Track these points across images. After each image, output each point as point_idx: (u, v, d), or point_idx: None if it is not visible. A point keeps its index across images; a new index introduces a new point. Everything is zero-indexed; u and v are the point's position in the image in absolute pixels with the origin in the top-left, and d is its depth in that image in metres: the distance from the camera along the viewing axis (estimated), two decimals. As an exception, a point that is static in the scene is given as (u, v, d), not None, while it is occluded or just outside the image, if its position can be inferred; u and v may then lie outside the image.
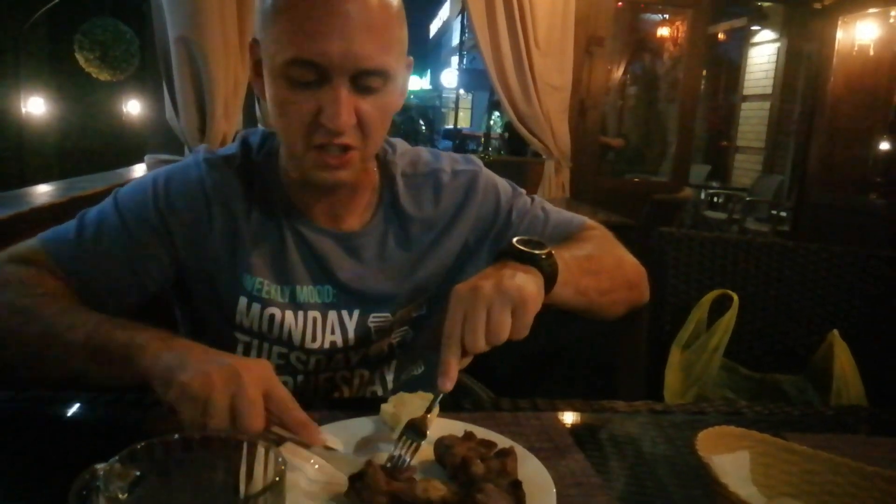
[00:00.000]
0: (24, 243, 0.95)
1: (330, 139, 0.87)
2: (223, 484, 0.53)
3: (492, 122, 12.16)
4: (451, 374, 0.73)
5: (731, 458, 0.74)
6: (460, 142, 12.60)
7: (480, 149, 10.70)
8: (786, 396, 1.27)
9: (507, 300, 0.74)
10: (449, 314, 0.75)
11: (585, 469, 0.80)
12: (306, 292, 1.00)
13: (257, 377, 0.69)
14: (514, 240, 0.83)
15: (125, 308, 0.95)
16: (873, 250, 1.46)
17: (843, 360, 1.24)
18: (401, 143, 1.11)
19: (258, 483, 0.51)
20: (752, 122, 8.77)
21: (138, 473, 0.50)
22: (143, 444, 0.51)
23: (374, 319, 1.03)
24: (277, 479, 0.47)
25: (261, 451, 0.51)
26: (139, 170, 2.97)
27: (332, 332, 1.01)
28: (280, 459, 0.49)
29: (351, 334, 1.02)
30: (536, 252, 0.81)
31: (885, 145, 5.28)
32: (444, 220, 1.06)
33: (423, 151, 1.12)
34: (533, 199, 1.12)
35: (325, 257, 1.00)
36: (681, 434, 0.92)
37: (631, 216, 3.68)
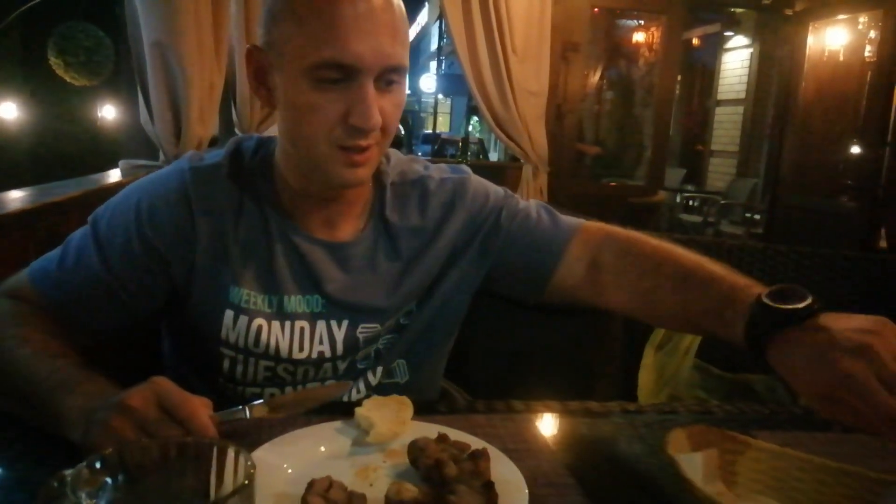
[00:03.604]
0: (15, 276, 0.97)
1: (357, 140, 0.88)
2: (193, 488, 0.53)
3: (471, 127, 12.20)
4: None
5: (699, 456, 0.76)
6: (439, 146, 12.61)
7: (459, 153, 10.73)
8: (756, 395, 1.29)
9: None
10: (872, 399, 0.66)
11: (558, 469, 0.81)
12: (294, 302, 0.98)
13: (145, 399, 0.70)
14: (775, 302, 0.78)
15: (115, 331, 0.98)
16: (840, 251, 1.49)
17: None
18: (395, 154, 1.11)
19: (228, 487, 0.51)
20: (726, 126, 8.89)
21: (107, 480, 0.50)
22: (111, 449, 0.51)
23: (363, 329, 1.02)
24: (246, 482, 0.47)
25: (231, 455, 0.51)
26: (114, 175, 2.93)
27: (321, 343, 1.00)
28: (250, 463, 0.49)
29: (339, 344, 1.00)
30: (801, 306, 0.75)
31: (854, 149, 5.38)
32: (430, 229, 1.06)
33: (415, 161, 1.12)
34: (528, 202, 1.12)
35: (314, 266, 0.99)
36: (653, 433, 0.93)
37: (607, 220, 3.72)
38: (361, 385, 1.04)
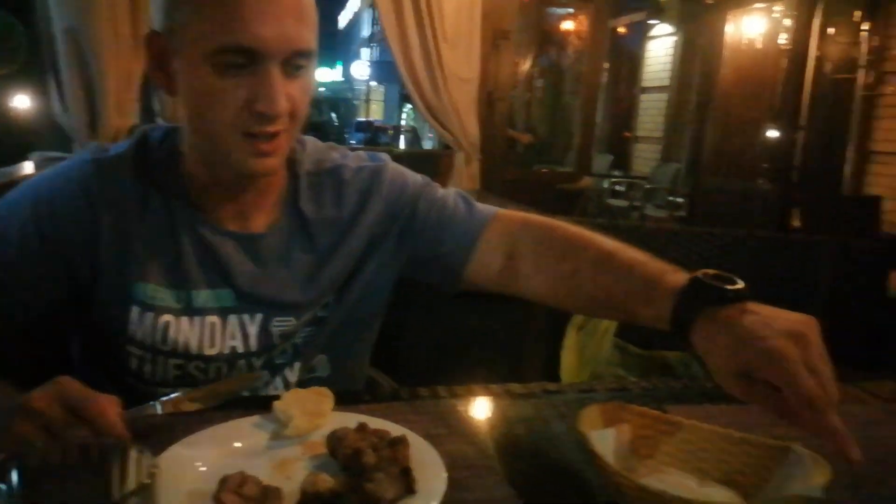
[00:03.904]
0: None
1: (264, 126, 0.86)
2: (95, 490, 0.51)
3: (404, 115, 12.15)
4: (850, 440, 0.65)
5: (612, 431, 0.78)
6: (372, 134, 12.51)
7: (391, 141, 10.68)
8: (672, 371, 1.34)
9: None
10: (794, 380, 0.66)
11: (479, 451, 0.82)
12: (203, 297, 0.96)
13: (48, 400, 0.68)
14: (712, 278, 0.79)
15: (16, 328, 0.93)
16: (752, 231, 1.56)
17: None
18: (311, 142, 1.08)
19: (131, 488, 0.50)
20: (651, 112, 9.14)
21: (1, 486, 0.48)
22: (3, 454, 0.49)
23: (277, 324, 0.99)
24: (147, 480, 0.46)
25: (133, 455, 0.50)
26: (26, 168, 2.79)
27: (233, 338, 0.97)
28: (151, 462, 0.48)
29: (253, 339, 0.98)
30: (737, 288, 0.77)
31: (770, 133, 5.64)
32: (346, 220, 1.04)
33: (332, 149, 1.09)
34: (447, 190, 1.11)
35: (224, 260, 0.96)
36: (572, 412, 0.95)
37: (538, 206, 3.78)
38: (279, 382, 1.02)
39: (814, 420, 0.65)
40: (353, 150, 1.15)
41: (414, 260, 1.08)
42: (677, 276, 0.84)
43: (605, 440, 0.76)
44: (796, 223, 4.95)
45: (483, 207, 1.10)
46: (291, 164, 1.03)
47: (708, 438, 0.77)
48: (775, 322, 0.71)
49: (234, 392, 0.87)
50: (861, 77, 5.11)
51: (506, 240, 1.04)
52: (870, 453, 0.85)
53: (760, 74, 5.87)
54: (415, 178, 1.11)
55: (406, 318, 1.78)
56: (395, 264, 1.08)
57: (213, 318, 0.96)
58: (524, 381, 1.07)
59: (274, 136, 0.88)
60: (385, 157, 1.11)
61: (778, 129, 5.53)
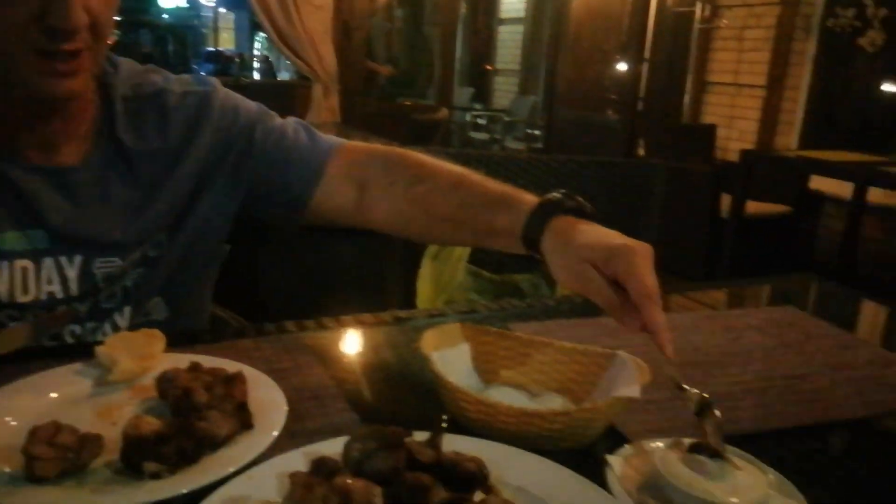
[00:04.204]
0: None
1: (59, 44, 0.76)
2: None
3: (257, 44, 11.50)
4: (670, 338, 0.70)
5: (454, 351, 0.80)
6: (222, 65, 11.74)
7: (241, 72, 10.10)
8: (522, 293, 1.39)
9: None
10: (639, 273, 0.70)
11: (324, 383, 0.81)
12: (11, 239, 0.86)
13: None
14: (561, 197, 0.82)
15: None
16: (593, 157, 1.62)
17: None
18: (126, 63, 0.98)
19: None
20: (509, 45, 9.26)
21: None
22: None
23: (100, 265, 0.92)
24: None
25: None
26: None
27: (49, 283, 0.89)
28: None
29: (73, 284, 0.90)
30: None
31: (619, 66, 5.88)
32: (173, 151, 0.96)
33: (152, 72, 0.99)
34: (285, 120, 1.05)
35: (33, 197, 0.87)
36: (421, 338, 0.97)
37: (398, 139, 3.74)
38: (109, 328, 0.95)
39: (646, 314, 0.70)
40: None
41: (253, 193, 1.02)
42: (528, 195, 0.87)
43: (448, 360, 0.77)
44: (641, 151, 5.27)
45: (327, 137, 1.05)
46: (104, 88, 0.93)
47: (544, 351, 0.81)
48: (620, 235, 0.77)
49: (40, 333, 0.79)
50: (698, 10, 5.41)
51: (354, 170, 1.01)
52: (689, 356, 0.94)
53: (609, 8, 6.06)
54: (248, 104, 1.04)
55: (259, 254, 1.72)
56: (232, 198, 1.02)
57: (25, 263, 0.87)
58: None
59: (73, 54, 0.78)
60: (214, 81, 1.03)
61: (625, 61, 5.78)
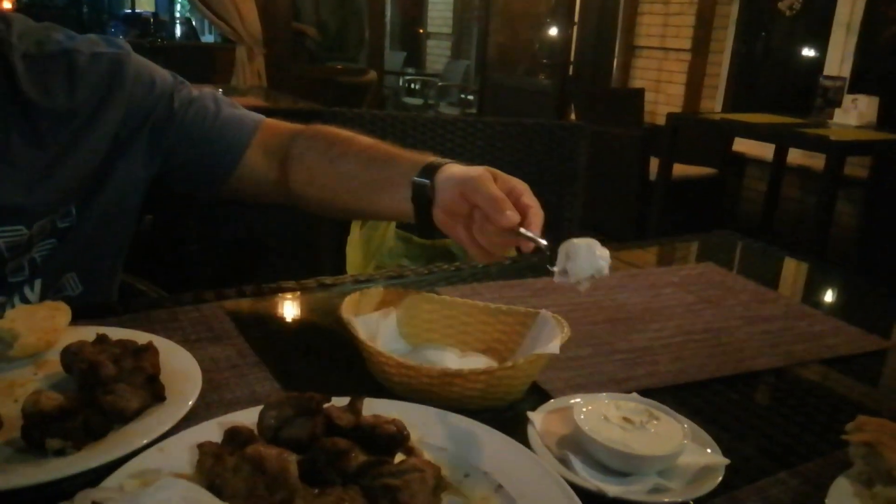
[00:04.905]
0: None
1: None
2: None
3: (178, 6, 10.98)
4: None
5: (378, 315, 0.78)
6: (141, 27, 11.15)
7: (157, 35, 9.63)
8: (453, 256, 1.38)
9: None
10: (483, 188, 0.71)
11: (243, 351, 0.78)
12: None
13: None
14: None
15: None
16: (519, 119, 1.62)
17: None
18: (21, 20, 0.90)
19: None
20: (440, 7, 9.12)
21: None
22: None
23: (4, 235, 0.86)
24: None
25: None
26: None
27: None
28: None
29: None
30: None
31: (550, 30, 5.89)
32: (84, 112, 0.90)
33: (54, 30, 0.92)
34: (202, 91, 1.01)
35: None
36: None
37: (326, 103, 3.65)
38: (18, 302, 0.89)
39: (495, 215, 0.70)
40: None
41: (170, 163, 0.98)
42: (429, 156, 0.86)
43: (372, 324, 0.76)
44: (572, 116, 5.31)
45: (249, 113, 1.03)
46: None
47: (470, 313, 0.81)
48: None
49: None
50: (626, -26, 5.44)
51: (273, 145, 0.99)
52: (613, 314, 0.96)
53: (540, -29, 6.05)
54: (162, 72, 0.99)
55: (184, 223, 1.65)
56: (147, 168, 0.97)
57: None
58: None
59: None
60: (125, 44, 0.97)
61: (555, 25, 5.79)
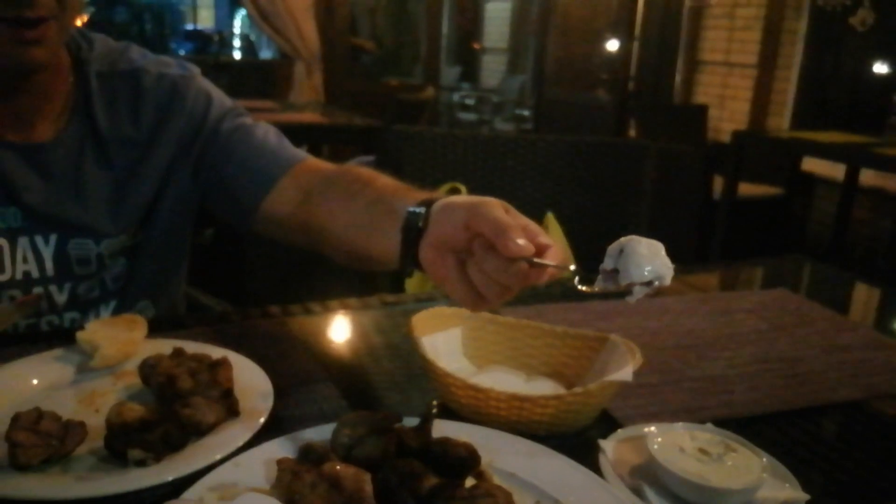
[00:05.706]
0: None
1: (22, 10, 0.74)
2: None
3: (238, 22, 11.31)
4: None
5: (443, 335, 0.78)
6: (202, 44, 11.52)
7: (220, 51, 9.92)
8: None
9: None
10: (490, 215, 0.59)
11: (312, 368, 0.80)
12: None
13: None
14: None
15: None
16: (581, 137, 1.60)
17: (554, 238, 1.36)
18: (102, 40, 0.95)
19: None
20: (497, 23, 9.15)
21: None
22: None
23: (74, 247, 0.90)
24: None
25: None
26: None
27: (25, 261, 0.88)
28: None
29: (49, 263, 0.88)
30: None
31: (609, 45, 5.84)
32: (145, 140, 0.93)
33: (132, 49, 0.97)
34: (258, 122, 1.01)
35: (7, 175, 0.85)
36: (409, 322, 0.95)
37: (386, 119, 3.70)
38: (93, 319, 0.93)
39: (500, 244, 0.58)
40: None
41: (210, 179, 0.98)
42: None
43: (437, 344, 0.76)
44: (632, 132, 5.24)
45: (293, 149, 0.99)
46: (79, 65, 0.91)
47: (535, 335, 0.80)
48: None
49: (10, 318, 0.77)
50: (688, -11, 5.37)
51: (304, 183, 0.94)
52: (682, 339, 0.93)
53: (599, -15, 6.01)
54: (222, 97, 1.00)
55: (245, 240, 1.69)
56: (194, 191, 0.99)
57: (0, 241, 0.85)
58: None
59: (38, 22, 0.76)
60: (195, 68, 1.00)
61: (615, 39, 5.74)
